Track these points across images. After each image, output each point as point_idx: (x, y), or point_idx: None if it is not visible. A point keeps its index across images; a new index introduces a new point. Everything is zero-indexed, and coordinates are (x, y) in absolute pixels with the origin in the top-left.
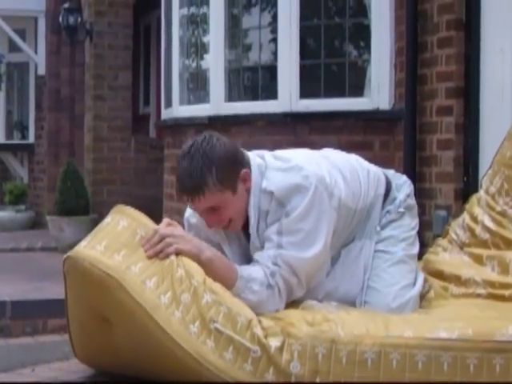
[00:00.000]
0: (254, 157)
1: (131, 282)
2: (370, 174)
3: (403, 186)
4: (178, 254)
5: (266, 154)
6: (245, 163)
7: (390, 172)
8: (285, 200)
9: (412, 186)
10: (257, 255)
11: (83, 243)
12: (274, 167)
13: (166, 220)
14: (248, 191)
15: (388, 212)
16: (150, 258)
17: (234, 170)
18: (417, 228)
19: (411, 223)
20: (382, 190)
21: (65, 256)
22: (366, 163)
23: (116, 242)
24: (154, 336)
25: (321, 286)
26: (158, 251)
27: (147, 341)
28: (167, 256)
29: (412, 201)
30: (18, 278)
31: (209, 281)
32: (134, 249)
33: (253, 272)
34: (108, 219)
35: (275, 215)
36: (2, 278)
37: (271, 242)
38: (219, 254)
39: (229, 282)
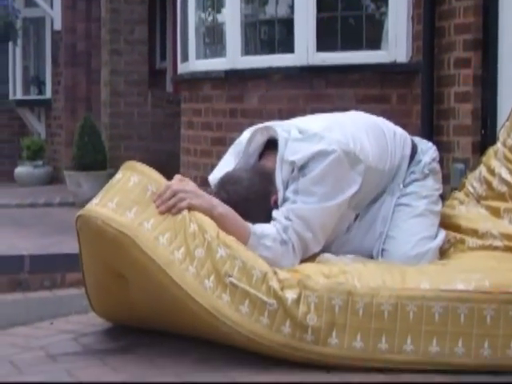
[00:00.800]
0: (281, 132)
1: (144, 238)
2: (397, 135)
3: (429, 150)
4: (190, 209)
5: (293, 127)
6: (271, 190)
7: (417, 138)
8: (305, 166)
9: (437, 153)
10: (273, 212)
11: (95, 201)
12: (295, 138)
13: (177, 176)
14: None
15: (412, 172)
16: (162, 213)
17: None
18: (440, 191)
19: (435, 185)
20: (408, 151)
21: (77, 214)
22: (391, 125)
23: (127, 199)
24: (169, 291)
25: (337, 239)
26: (171, 206)
27: (163, 296)
28: (179, 211)
29: (437, 166)
30: (36, 232)
31: (222, 235)
32: (145, 205)
33: (265, 229)
34: (119, 175)
35: (294, 180)
36: (20, 233)
37: (288, 199)
38: (232, 211)
39: (242, 239)
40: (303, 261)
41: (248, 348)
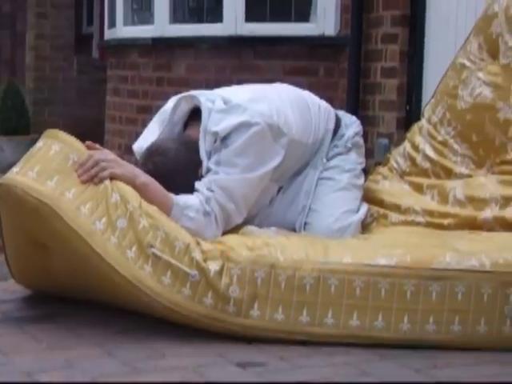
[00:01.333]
0: (205, 101)
1: (65, 208)
2: (321, 108)
3: (352, 124)
4: (112, 178)
5: (218, 97)
6: (198, 161)
7: (341, 112)
8: (227, 137)
9: (361, 127)
10: (196, 183)
11: (15, 169)
12: (219, 109)
13: (88, 142)
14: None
15: (335, 146)
16: (83, 183)
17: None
18: (363, 165)
19: (358, 159)
20: (331, 125)
21: None
22: (317, 99)
23: (48, 168)
24: (90, 262)
25: (260, 213)
26: (93, 176)
27: (84, 266)
28: (101, 181)
29: (360, 140)
30: None
31: (145, 205)
32: (67, 174)
33: (189, 200)
34: (40, 144)
35: (217, 151)
36: None
37: (209, 171)
38: (154, 181)
39: (165, 210)
40: (227, 233)
41: (169, 319)
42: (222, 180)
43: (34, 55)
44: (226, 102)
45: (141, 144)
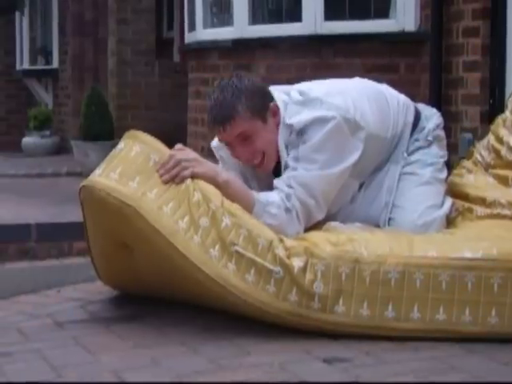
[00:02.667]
0: (280, 94)
1: (148, 208)
2: (400, 102)
3: (433, 116)
4: (193, 177)
5: (293, 89)
6: (273, 99)
7: (421, 105)
8: (303, 131)
9: (442, 119)
10: (275, 181)
11: (98, 171)
12: (295, 101)
13: (178, 145)
14: (278, 126)
15: (416, 140)
16: (165, 182)
17: (263, 101)
18: (445, 158)
19: (439, 152)
20: (410, 118)
21: (80, 185)
22: (395, 92)
23: (130, 169)
24: (174, 261)
25: (342, 210)
26: (174, 175)
27: (168, 266)
28: (183, 180)
29: (441, 132)
30: (43, 202)
31: (227, 203)
32: (148, 175)
33: (270, 196)
34: (121, 145)
35: (293, 144)
36: (28, 203)
37: (288, 167)
38: (236, 178)
39: (246, 207)
40: (310, 229)
41: (254, 316)
42: (302, 176)
43: (116, 61)
44: (301, 94)
45: (215, 144)
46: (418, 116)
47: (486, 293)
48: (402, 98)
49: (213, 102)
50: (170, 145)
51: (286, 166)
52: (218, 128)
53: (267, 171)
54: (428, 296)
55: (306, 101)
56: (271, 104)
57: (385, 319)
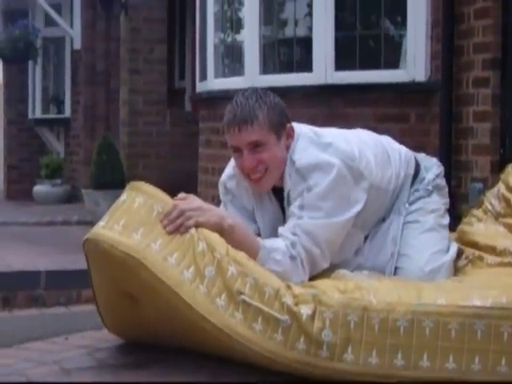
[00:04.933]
0: (296, 124)
1: (152, 260)
2: (401, 155)
3: (432, 167)
4: (198, 226)
5: (305, 126)
6: (290, 121)
7: (421, 155)
8: (306, 174)
9: (442, 168)
10: (279, 229)
11: (101, 223)
12: (306, 137)
13: (181, 194)
14: (288, 149)
15: (416, 190)
16: (169, 233)
17: (281, 118)
18: (447, 206)
19: (440, 200)
20: (411, 171)
21: (84, 238)
22: (396, 144)
23: (133, 220)
24: (180, 312)
25: (348, 262)
26: (178, 226)
27: (174, 316)
28: (187, 230)
29: (441, 181)
30: (53, 250)
31: (232, 251)
32: (152, 226)
33: (275, 243)
34: (124, 197)
35: (297, 187)
36: (37, 251)
37: (293, 215)
38: (241, 222)
39: (251, 252)
40: (318, 277)
41: (262, 365)
42: (306, 224)
43: (128, 110)
44: (316, 134)
45: (224, 178)
46: (417, 167)
47: (495, 341)
48: (404, 150)
49: (235, 104)
50: (181, 192)
51: (291, 214)
52: (234, 128)
53: (263, 190)
54: (437, 344)
55: (315, 141)
56: (288, 125)
57: (394, 367)
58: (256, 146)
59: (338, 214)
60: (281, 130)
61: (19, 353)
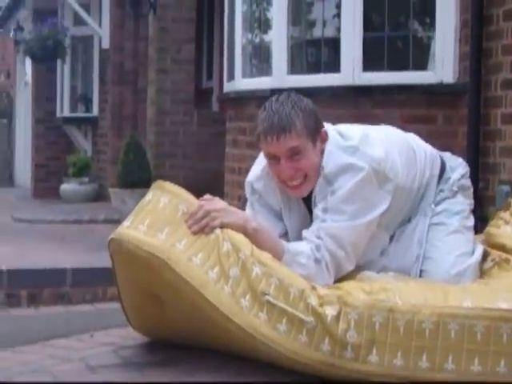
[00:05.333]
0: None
1: (177, 259)
2: (427, 153)
3: (458, 167)
4: (222, 227)
5: (331, 127)
6: (323, 126)
7: (446, 154)
8: (332, 178)
9: (468, 168)
10: (304, 232)
11: (126, 223)
12: (332, 142)
13: (207, 195)
14: (322, 153)
15: (441, 190)
16: (194, 233)
17: (316, 124)
18: (471, 207)
19: (465, 201)
20: (436, 171)
21: (109, 238)
22: (422, 142)
23: (158, 220)
24: (205, 312)
25: (373, 263)
26: (203, 226)
27: (199, 316)
28: (212, 230)
29: (467, 182)
30: (79, 248)
31: (257, 252)
32: (177, 225)
33: (299, 246)
34: (149, 196)
35: (322, 191)
36: (64, 248)
37: (317, 218)
38: (265, 227)
39: (276, 255)
40: (344, 278)
41: (286, 365)
42: (330, 227)
43: (155, 110)
44: (342, 136)
45: (251, 178)
46: (443, 167)
47: None
48: (429, 149)
49: (270, 111)
50: (208, 193)
51: (315, 217)
52: (271, 137)
53: (302, 195)
54: (463, 347)
55: (342, 144)
56: (322, 129)
57: (419, 369)
58: (294, 153)
59: (361, 216)
60: (316, 135)
61: (45, 349)
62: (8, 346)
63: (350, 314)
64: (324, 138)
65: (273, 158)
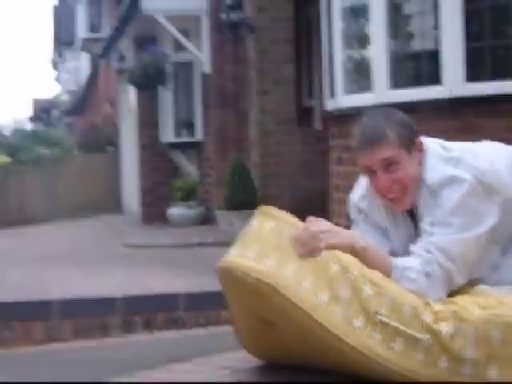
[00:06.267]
0: (425, 139)
1: (286, 285)
2: None
3: None
4: (330, 248)
5: (433, 141)
6: (418, 136)
7: None
8: (436, 190)
9: None
10: (411, 246)
11: (233, 251)
12: (435, 153)
13: (311, 218)
14: (420, 164)
15: None
16: (301, 257)
17: (410, 134)
18: None
19: None
20: None
21: (217, 266)
22: None
23: (265, 246)
24: (317, 335)
25: (485, 278)
26: (310, 249)
27: (312, 339)
28: (319, 253)
29: None
30: (190, 272)
31: (367, 272)
32: (284, 250)
33: (407, 261)
34: (254, 222)
35: (427, 204)
36: (175, 273)
37: (425, 232)
38: (373, 245)
39: (384, 273)
40: (458, 293)
41: (400, 380)
42: (439, 241)
43: (259, 131)
44: (444, 148)
45: (355, 197)
46: None
47: None
48: None
49: (362, 125)
50: (311, 211)
51: (423, 231)
52: (365, 149)
53: (403, 209)
54: None
55: (445, 157)
56: (417, 140)
57: None
58: (389, 164)
59: (470, 229)
60: (410, 145)
61: (162, 375)
62: (126, 370)
63: (466, 329)
64: (420, 148)
65: (370, 172)
